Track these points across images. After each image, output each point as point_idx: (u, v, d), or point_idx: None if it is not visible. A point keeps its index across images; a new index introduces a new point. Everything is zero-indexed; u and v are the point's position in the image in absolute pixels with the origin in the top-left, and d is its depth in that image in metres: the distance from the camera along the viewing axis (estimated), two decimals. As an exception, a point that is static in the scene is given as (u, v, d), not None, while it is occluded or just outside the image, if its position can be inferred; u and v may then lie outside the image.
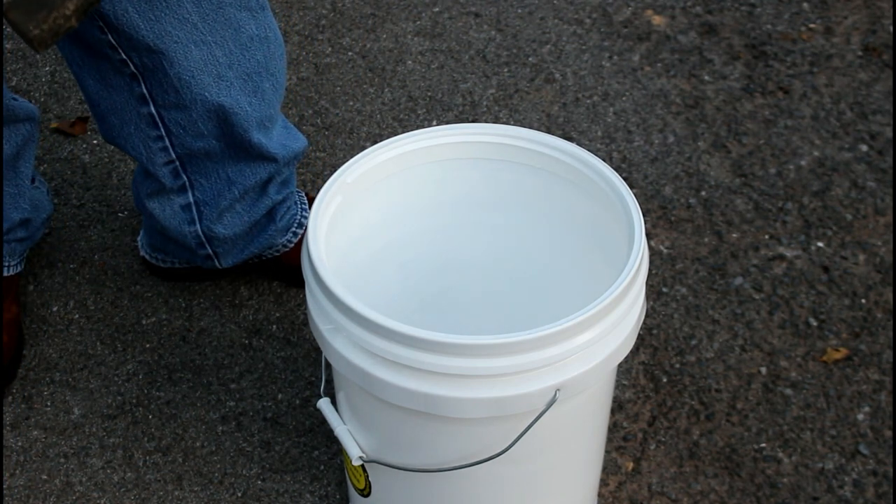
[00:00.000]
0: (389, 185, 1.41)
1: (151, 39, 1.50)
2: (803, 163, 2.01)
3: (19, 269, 1.79)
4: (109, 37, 1.50)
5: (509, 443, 1.23)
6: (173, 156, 1.62)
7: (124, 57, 1.52)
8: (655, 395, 1.70)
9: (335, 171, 1.36)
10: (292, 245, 1.78)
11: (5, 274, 1.76)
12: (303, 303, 1.82)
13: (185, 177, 1.65)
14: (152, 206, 1.71)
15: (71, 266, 1.88)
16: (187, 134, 1.59)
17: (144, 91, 1.56)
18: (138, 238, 1.88)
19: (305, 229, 1.30)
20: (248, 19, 1.54)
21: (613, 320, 1.21)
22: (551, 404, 1.20)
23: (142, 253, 1.86)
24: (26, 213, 1.74)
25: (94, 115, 1.65)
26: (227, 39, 1.53)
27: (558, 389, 1.20)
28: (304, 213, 1.79)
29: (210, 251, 1.73)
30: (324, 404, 1.38)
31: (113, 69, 1.55)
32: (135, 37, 1.49)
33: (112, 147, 2.06)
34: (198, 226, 1.70)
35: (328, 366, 1.39)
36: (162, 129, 1.59)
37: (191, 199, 1.67)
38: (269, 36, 1.58)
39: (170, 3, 1.48)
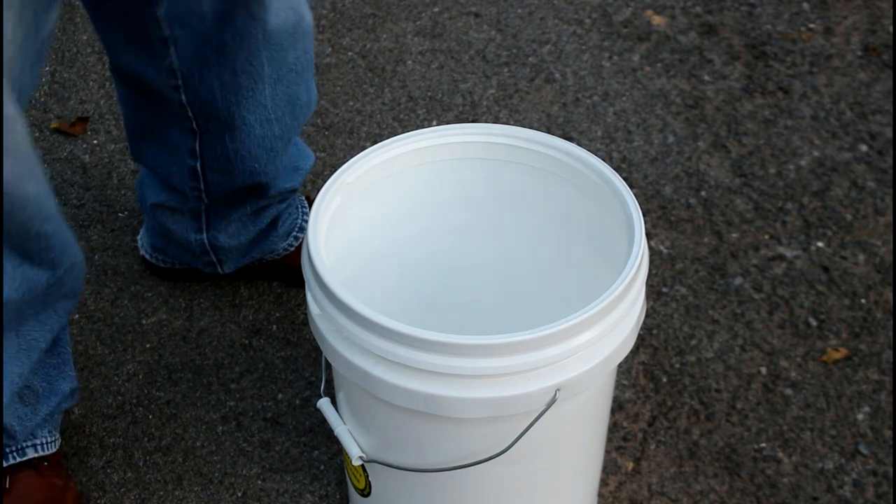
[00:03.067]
0: (389, 185, 1.41)
1: (224, 115, 1.52)
2: (803, 163, 2.01)
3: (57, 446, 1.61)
4: (183, 96, 1.50)
5: (509, 443, 1.23)
6: (205, 199, 1.65)
7: (191, 115, 1.53)
8: (655, 395, 1.70)
9: (335, 171, 1.36)
10: (293, 249, 1.79)
11: (47, 452, 1.57)
12: (303, 303, 1.82)
13: (206, 199, 1.67)
14: (162, 214, 1.72)
15: (71, 266, 1.88)
16: (223, 190, 1.63)
17: (197, 149, 1.58)
18: (138, 237, 1.88)
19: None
20: (303, 90, 1.58)
21: (613, 320, 1.21)
22: (551, 404, 1.20)
23: (141, 252, 1.86)
24: (74, 380, 1.58)
25: (134, 140, 1.65)
26: (285, 114, 1.57)
27: (558, 389, 1.20)
28: (304, 217, 1.80)
29: (213, 258, 1.74)
30: (324, 404, 1.38)
31: (174, 117, 1.55)
32: (209, 107, 1.51)
33: (112, 147, 2.06)
34: (204, 235, 1.71)
35: (328, 366, 1.39)
36: (201, 183, 1.62)
37: (202, 209, 1.69)
38: (311, 100, 1.61)
39: (255, 91, 1.50)
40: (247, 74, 1.48)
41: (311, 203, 1.83)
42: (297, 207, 1.78)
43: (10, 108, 1.24)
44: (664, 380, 1.71)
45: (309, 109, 1.61)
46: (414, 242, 1.49)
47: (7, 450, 1.53)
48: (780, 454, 1.63)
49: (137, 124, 1.62)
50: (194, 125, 1.54)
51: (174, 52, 1.45)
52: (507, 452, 1.24)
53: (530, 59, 2.20)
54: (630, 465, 1.62)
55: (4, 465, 1.54)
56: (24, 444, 1.54)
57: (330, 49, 2.23)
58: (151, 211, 1.74)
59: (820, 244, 1.88)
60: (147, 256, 1.85)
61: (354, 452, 1.33)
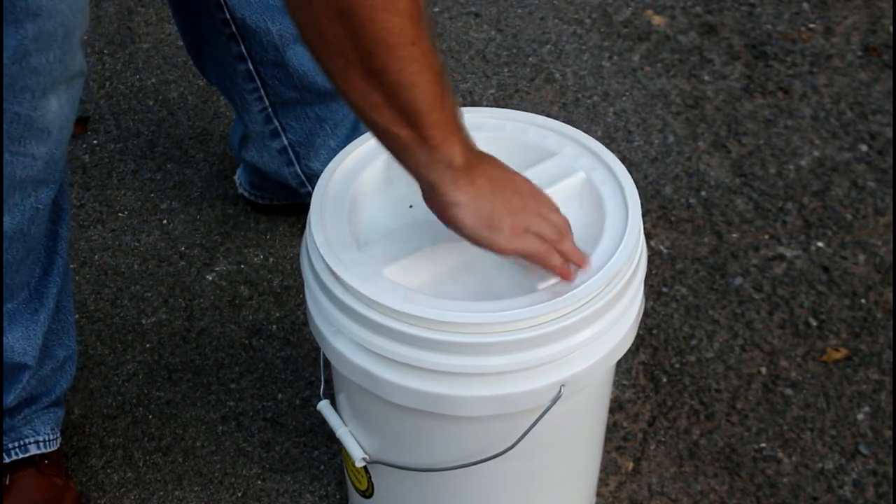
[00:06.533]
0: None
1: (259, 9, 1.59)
2: (803, 163, 2.01)
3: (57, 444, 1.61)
4: None
5: (513, 440, 1.23)
6: (266, 104, 1.69)
7: (227, 17, 1.59)
8: (655, 395, 1.70)
9: (336, 170, 1.36)
10: None
11: (49, 450, 1.58)
12: (303, 303, 1.82)
13: (276, 122, 1.71)
14: (249, 154, 1.78)
15: (71, 266, 1.88)
16: (282, 85, 1.67)
17: (243, 50, 1.63)
18: (235, 176, 1.94)
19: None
20: None
21: (614, 317, 1.22)
22: (556, 400, 1.20)
23: (240, 190, 1.92)
24: (71, 349, 1.57)
25: (195, 60, 1.74)
26: None
27: (563, 385, 1.20)
28: None
29: (311, 189, 1.78)
30: (324, 406, 1.37)
31: (213, 27, 1.62)
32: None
33: (112, 147, 2.06)
34: (297, 166, 1.76)
35: (327, 366, 1.39)
36: (258, 82, 1.67)
37: (285, 142, 1.73)
38: None
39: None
40: None
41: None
42: None
43: None
44: (664, 380, 1.71)
45: None
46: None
47: (9, 446, 1.53)
48: (780, 454, 1.63)
49: (188, 41, 1.70)
50: (232, 28, 1.60)
51: None
52: (512, 450, 1.24)
53: (530, 59, 2.20)
54: (630, 465, 1.62)
55: (6, 460, 1.54)
56: (27, 441, 1.54)
57: (329, 49, 2.23)
58: (240, 151, 1.80)
59: (820, 244, 1.88)
60: (246, 194, 1.91)
61: (357, 454, 1.33)
